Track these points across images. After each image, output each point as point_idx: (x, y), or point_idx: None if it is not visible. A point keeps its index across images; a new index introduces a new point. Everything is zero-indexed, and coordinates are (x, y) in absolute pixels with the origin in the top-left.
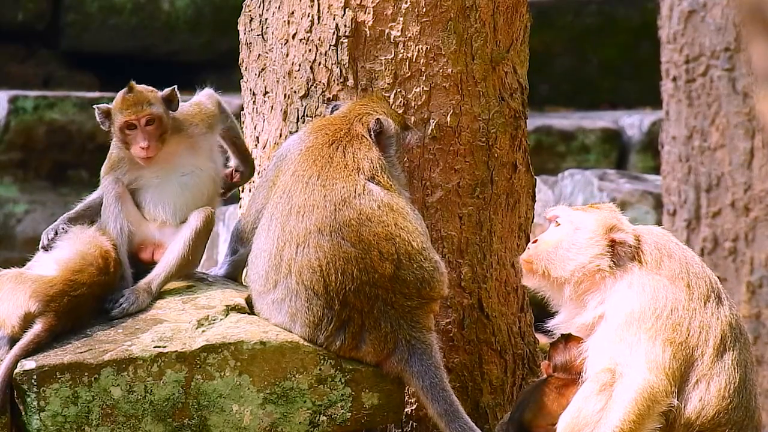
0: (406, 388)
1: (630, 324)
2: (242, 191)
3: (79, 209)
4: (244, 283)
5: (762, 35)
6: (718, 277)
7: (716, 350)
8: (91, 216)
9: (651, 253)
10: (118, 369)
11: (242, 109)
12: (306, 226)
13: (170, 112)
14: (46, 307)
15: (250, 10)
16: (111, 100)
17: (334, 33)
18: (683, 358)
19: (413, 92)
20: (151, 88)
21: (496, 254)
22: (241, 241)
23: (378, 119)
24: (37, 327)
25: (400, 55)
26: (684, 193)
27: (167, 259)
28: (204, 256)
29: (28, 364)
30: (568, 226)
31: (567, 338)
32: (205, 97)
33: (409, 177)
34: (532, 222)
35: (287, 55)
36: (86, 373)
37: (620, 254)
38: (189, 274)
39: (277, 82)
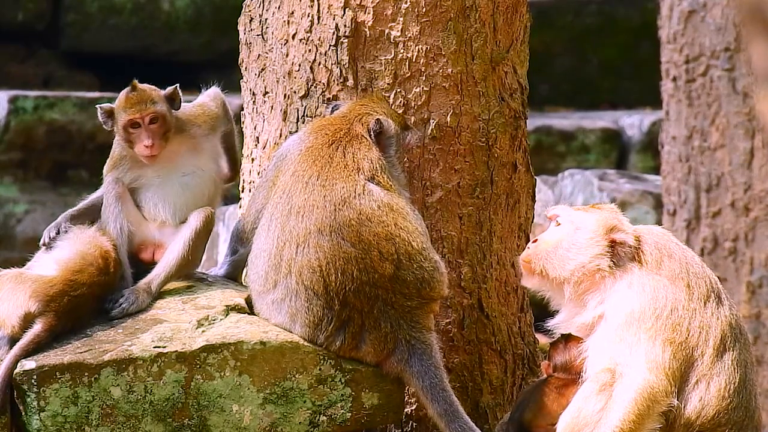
0: (406, 388)
1: (630, 324)
2: (242, 191)
3: (81, 207)
4: (244, 283)
5: (762, 35)
6: (718, 277)
7: (716, 350)
8: (93, 214)
9: (651, 253)
10: (118, 369)
11: (242, 109)
12: (306, 226)
13: (173, 110)
14: (46, 307)
15: (250, 10)
16: (111, 100)
17: (334, 33)
18: (683, 358)
19: (413, 92)
20: (153, 87)
21: (496, 254)
22: (241, 241)
23: (378, 119)
24: (37, 327)
25: (400, 55)
26: (684, 193)
27: (167, 259)
28: (204, 256)
29: (28, 364)
30: (569, 225)
31: (567, 338)
32: (209, 98)
33: (409, 177)
34: (532, 222)
35: (287, 55)
36: (86, 373)
37: (620, 254)
38: (189, 274)
39: (277, 82)
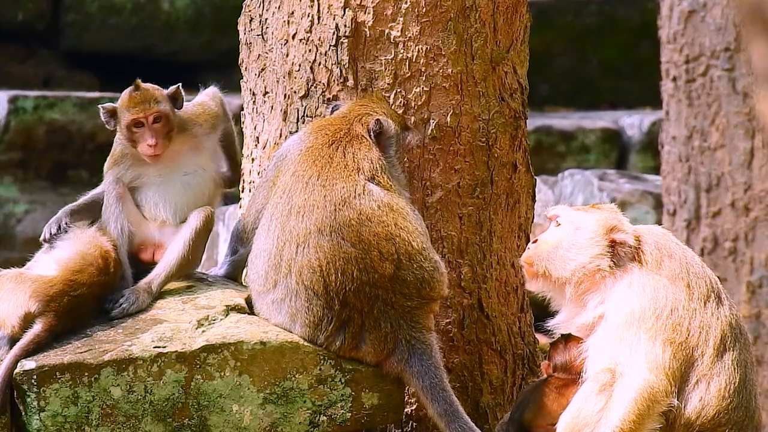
0: (406, 388)
1: (630, 324)
2: (242, 191)
3: (81, 203)
4: (244, 283)
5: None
6: (718, 277)
7: (716, 350)
8: (93, 210)
9: (651, 253)
10: (118, 369)
11: (242, 109)
12: (306, 226)
13: (176, 110)
14: (46, 307)
15: (250, 10)
16: (111, 100)
17: (334, 33)
18: (683, 358)
19: (413, 92)
20: (156, 86)
21: (496, 254)
22: (241, 241)
23: (378, 120)
24: (37, 327)
25: (400, 55)
26: (684, 193)
27: (167, 259)
28: (204, 256)
29: (28, 364)
30: (569, 226)
31: (567, 338)
32: (208, 97)
33: (409, 177)
34: (532, 222)
35: (287, 55)
36: (86, 373)
37: (620, 254)
38: (189, 274)
39: (277, 82)
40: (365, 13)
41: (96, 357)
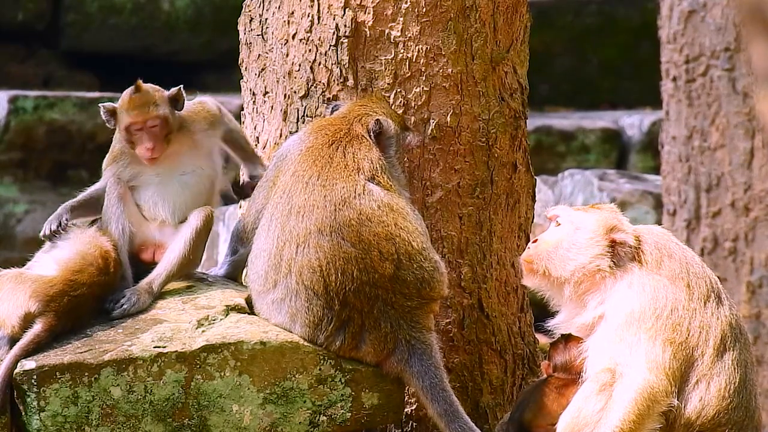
0: (406, 388)
1: (630, 324)
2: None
3: (81, 199)
4: (244, 283)
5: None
6: (718, 277)
7: (716, 350)
8: (92, 206)
9: (651, 253)
10: (118, 369)
11: (242, 109)
12: (306, 226)
13: (176, 111)
14: (46, 307)
15: (250, 10)
16: (111, 100)
17: (334, 33)
18: (683, 358)
19: (413, 92)
20: (157, 87)
21: (496, 254)
22: (241, 241)
23: (378, 120)
24: (37, 327)
25: (400, 55)
26: (684, 193)
27: (168, 259)
28: (204, 256)
29: (28, 364)
30: (569, 226)
31: (567, 338)
32: (207, 97)
33: (409, 177)
34: (532, 222)
35: (287, 55)
36: (86, 373)
37: (620, 255)
38: (189, 274)
39: (277, 82)
40: (365, 13)
41: (96, 357)
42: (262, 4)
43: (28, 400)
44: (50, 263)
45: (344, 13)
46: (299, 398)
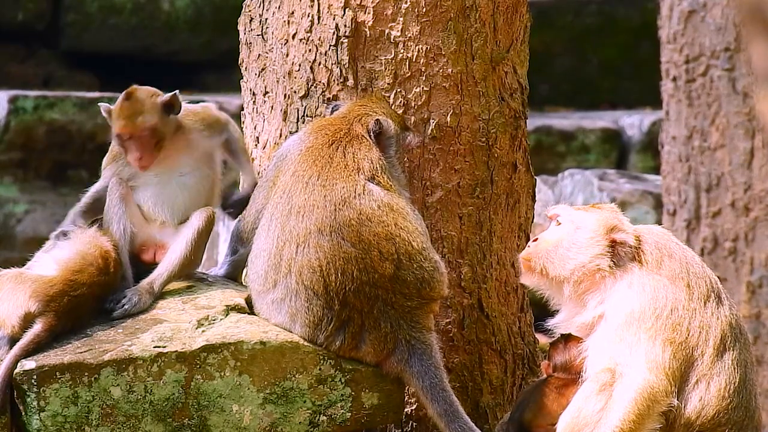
0: (406, 388)
1: (630, 324)
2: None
3: (88, 202)
4: (244, 283)
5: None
6: (718, 277)
7: (716, 350)
8: (98, 209)
9: (651, 253)
10: (118, 369)
11: (242, 109)
12: (306, 226)
13: (172, 115)
14: (46, 307)
15: (250, 10)
16: (111, 100)
17: (334, 33)
18: (683, 358)
19: (413, 92)
20: (152, 91)
21: (496, 254)
22: (241, 241)
23: (377, 120)
24: (37, 327)
25: (400, 55)
26: (684, 193)
27: (170, 259)
28: (204, 256)
29: (28, 364)
30: (569, 225)
31: (567, 338)
32: (212, 104)
33: (409, 177)
34: (532, 222)
35: (287, 55)
36: (86, 373)
37: (620, 254)
38: (189, 274)
39: (277, 82)
40: (365, 13)
41: (96, 357)
42: (262, 4)
43: (28, 400)
44: (50, 263)
45: (344, 13)
46: (299, 398)
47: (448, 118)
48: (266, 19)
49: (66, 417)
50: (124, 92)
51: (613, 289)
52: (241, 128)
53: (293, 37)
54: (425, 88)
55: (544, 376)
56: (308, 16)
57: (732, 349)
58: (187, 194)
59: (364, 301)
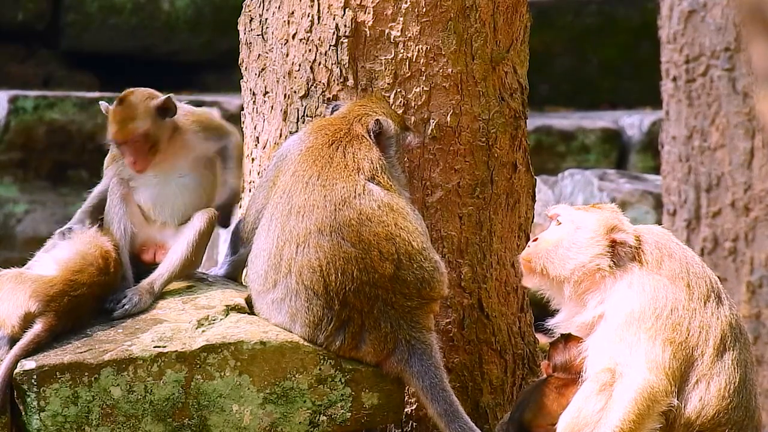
0: (406, 388)
1: (630, 324)
2: (242, 191)
3: (94, 203)
4: (244, 283)
5: (762, 35)
6: (718, 277)
7: (716, 350)
8: (103, 209)
9: (651, 252)
10: (118, 369)
11: (242, 109)
12: (306, 226)
13: (167, 118)
14: (46, 307)
15: (250, 10)
16: (111, 100)
17: (334, 33)
18: (683, 358)
19: (413, 92)
20: (147, 95)
21: (496, 254)
22: (241, 241)
23: (377, 120)
24: (37, 327)
25: (400, 55)
26: (684, 193)
27: (170, 260)
28: (204, 256)
29: (28, 364)
30: (569, 225)
31: (567, 338)
32: (216, 111)
33: (409, 177)
34: (532, 222)
35: (287, 55)
36: (86, 373)
37: (621, 254)
38: (189, 274)
39: (277, 82)
40: (365, 13)
41: (96, 357)
42: (262, 4)
43: (28, 400)
44: (50, 263)
45: (344, 13)
46: (299, 398)
47: (448, 118)
48: (266, 19)
49: (66, 417)
50: (118, 97)
51: (613, 289)
52: (241, 128)
53: (293, 37)
54: (425, 88)
55: (544, 376)
56: (308, 16)
57: (732, 349)
58: (187, 195)
59: (364, 301)
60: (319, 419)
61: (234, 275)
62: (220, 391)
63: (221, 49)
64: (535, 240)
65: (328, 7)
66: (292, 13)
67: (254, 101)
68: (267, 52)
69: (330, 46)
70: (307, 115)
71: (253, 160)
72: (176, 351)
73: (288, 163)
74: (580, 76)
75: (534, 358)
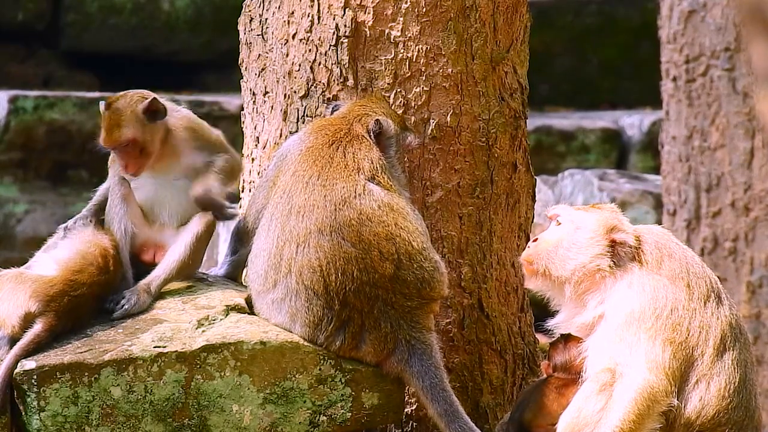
0: (406, 388)
1: (630, 324)
2: (242, 191)
3: (100, 200)
4: (244, 283)
5: (762, 35)
6: (718, 277)
7: (716, 350)
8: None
9: (651, 252)
10: (118, 369)
11: (242, 109)
12: (306, 226)
13: (157, 120)
14: (46, 307)
15: (250, 10)
16: None
17: (334, 33)
18: (683, 358)
19: (413, 92)
20: (135, 99)
21: (496, 254)
22: (241, 241)
23: (377, 120)
24: (37, 327)
25: (400, 55)
26: (684, 193)
27: (167, 262)
28: (204, 257)
29: (28, 364)
30: (569, 225)
31: (567, 338)
32: (216, 130)
33: (409, 177)
34: (532, 222)
35: (287, 55)
36: (86, 373)
37: (620, 254)
38: (188, 275)
39: (277, 82)
40: (365, 13)
41: (96, 357)
42: (262, 4)
43: (28, 400)
44: (50, 263)
45: (344, 13)
46: (299, 398)
47: (448, 118)
48: (266, 19)
49: (66, 417)
50: (106, 101)
51: (613, 289)
52: (241, 128)
53: (293, 37)
54: (425, 88)
55: (544, 376)
56: (308, 16)
57: (732, 349)
58: (183, 198)
59: (364, 301)
60: (319, 419)
61: (234, 275)
62: (220, 391)
63: (221, 49)
64: (535, 240)
65: (328, 7)
66: (292, 13)
67: (254, 101)
68: (267, 52)
69: (330, 46)
70: (307, 115)
71: (253, 160)
72: (176, 351)
73: (288, 163)
74: (580, 76)
75: (534, 358)
